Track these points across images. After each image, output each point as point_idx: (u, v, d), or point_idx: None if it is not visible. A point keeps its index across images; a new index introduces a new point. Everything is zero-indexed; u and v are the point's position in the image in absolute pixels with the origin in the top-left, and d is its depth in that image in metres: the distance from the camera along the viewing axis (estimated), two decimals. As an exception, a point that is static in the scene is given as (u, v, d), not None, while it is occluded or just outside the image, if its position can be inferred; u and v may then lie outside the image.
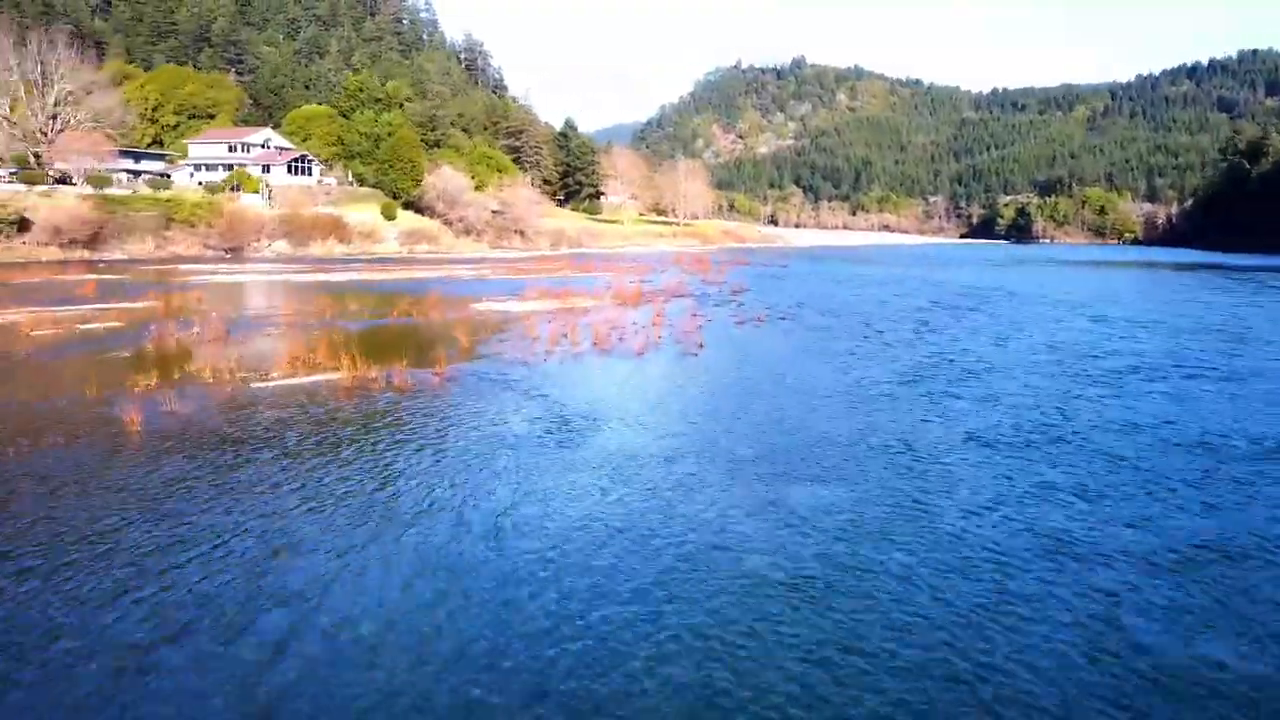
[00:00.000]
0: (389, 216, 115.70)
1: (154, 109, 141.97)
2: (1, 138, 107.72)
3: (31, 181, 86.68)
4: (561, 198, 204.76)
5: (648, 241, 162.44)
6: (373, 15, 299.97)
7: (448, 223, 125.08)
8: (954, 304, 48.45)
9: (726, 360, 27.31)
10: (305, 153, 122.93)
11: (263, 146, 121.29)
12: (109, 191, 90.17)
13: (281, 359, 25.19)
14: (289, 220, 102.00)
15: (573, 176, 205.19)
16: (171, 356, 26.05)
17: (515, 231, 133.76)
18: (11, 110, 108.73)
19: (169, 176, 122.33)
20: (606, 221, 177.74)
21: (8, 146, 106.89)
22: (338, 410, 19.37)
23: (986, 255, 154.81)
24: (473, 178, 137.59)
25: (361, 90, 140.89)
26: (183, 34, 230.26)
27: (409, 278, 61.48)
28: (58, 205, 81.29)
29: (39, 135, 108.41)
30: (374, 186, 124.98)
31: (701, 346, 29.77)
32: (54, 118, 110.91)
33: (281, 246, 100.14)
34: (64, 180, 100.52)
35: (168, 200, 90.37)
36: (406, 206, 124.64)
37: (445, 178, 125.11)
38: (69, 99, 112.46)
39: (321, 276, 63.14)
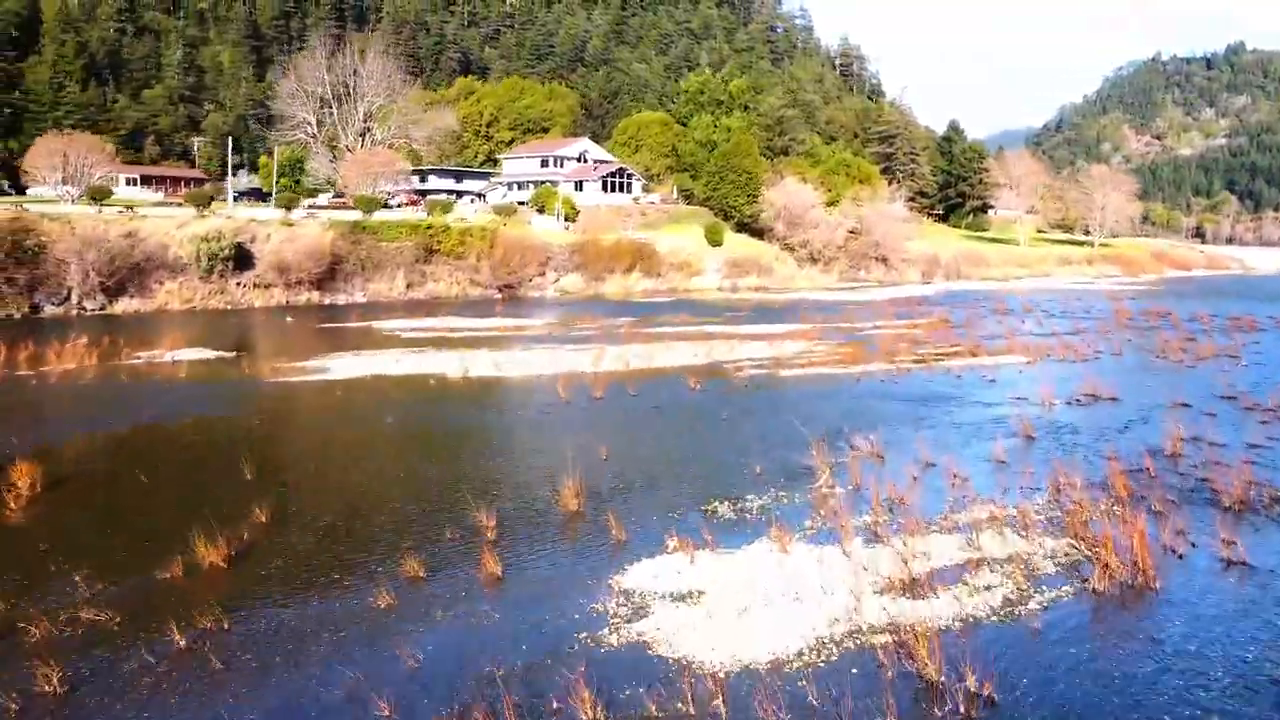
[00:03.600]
0: (714, 241, 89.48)
1: (488, 124, 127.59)
2: (321, 162, 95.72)
3: (288, 205, 70.37)
4: (940, 212, 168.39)
5: (1051, 268, 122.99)
6: (745, 25, 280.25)
7: (788, 247, 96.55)
8: None
9: None
10: (624, 166, 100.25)
11: (578, 160, 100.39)
12: (376, 217, 71.87)
13: None
14: (583, 248, 78.95)
15: (954, 187, 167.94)
16: None
17: (875, 258, 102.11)
18: (318, 127, 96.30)
19: (484, 196, 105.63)
20: (995, 240, 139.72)
21: (329, 167, 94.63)
22: None
23: None
24: (826, 190, 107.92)
25: (702, 92, 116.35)
26: (559, 55, 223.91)
27: (624, 371, 33.49)
28: (295, 235, 63.49)
29: (346, 152, 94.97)
30: (703, 203, 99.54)
31: None
32: (363, 135, 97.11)
33: (572, 281, 77.26)
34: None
35: (428, 228, 70.33)
36: (740, 228, 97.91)
37: (788, 192, 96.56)
38: (378, 114, 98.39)
39: (510, 356, 37.23)
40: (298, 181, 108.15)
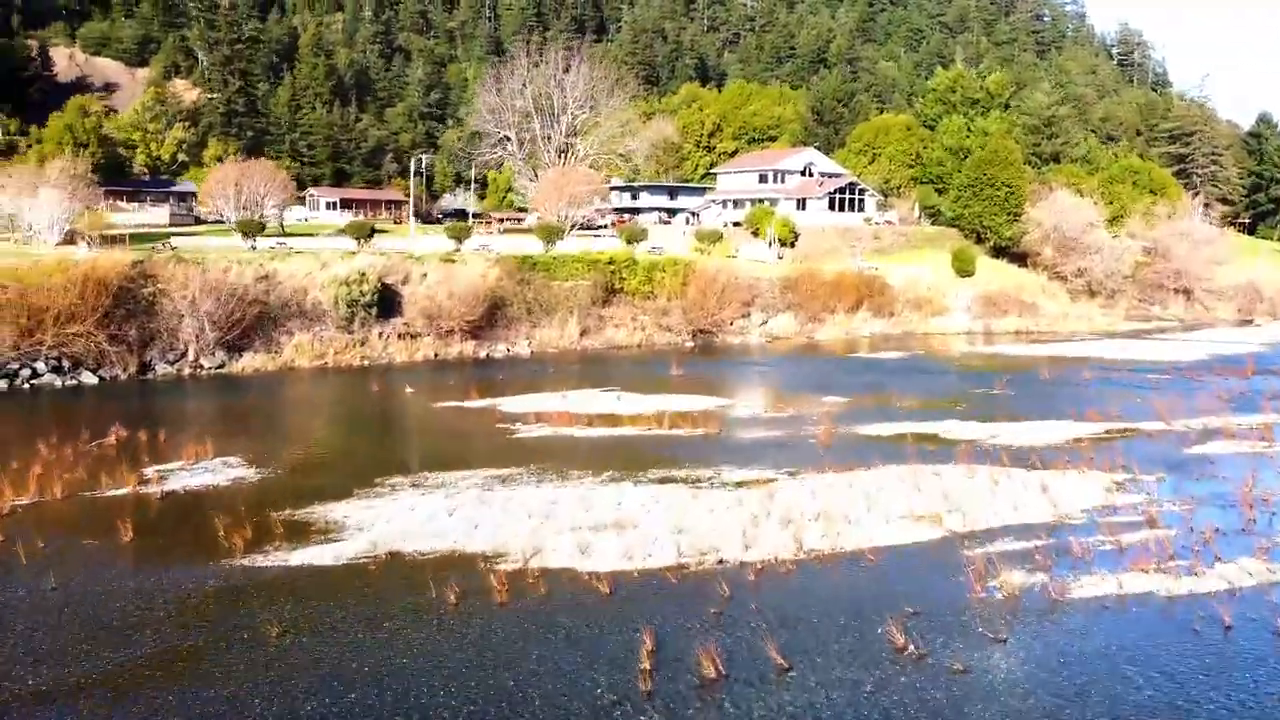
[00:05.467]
0: (962, 270, 72.14)
1: (710, 134, 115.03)
2: (525, 181, 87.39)
3: (458, 236, 61.11)
4: (1246, 221, 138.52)
5: None
6: (1007, 15, 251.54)
7: (1059, 277, 77.17)
8: None
9: None
10: (855, 180, 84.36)
11: (802, 173, 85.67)
12: (557, 250, 61.38)
13: None
14: (796, 283, 64.54)
15: (1265, 192, 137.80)
16: None
17: (1173, 289, 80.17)
18: (519, 145, 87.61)
19: (698, 215, 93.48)
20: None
21: (532, 186, 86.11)
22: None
23: None
24: (1108, 204, 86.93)
25: (953, 90, 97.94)
26: (800, 56, 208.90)
27: (790, 562, 19.07)
28: (452, 274, 53.83)
29: (547, 170, 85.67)
30: (950, 223, 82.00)
31: None
32: (563, 151, 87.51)
33: (781, 324, 63.10)
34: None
35: (609, 262, 58.65)
36: (997, 253, 79.64)
37: (1058, 208, 77.15)
38: (582, 128, 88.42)
39: (624, 507, 23.96)
40: (517, 205, 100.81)
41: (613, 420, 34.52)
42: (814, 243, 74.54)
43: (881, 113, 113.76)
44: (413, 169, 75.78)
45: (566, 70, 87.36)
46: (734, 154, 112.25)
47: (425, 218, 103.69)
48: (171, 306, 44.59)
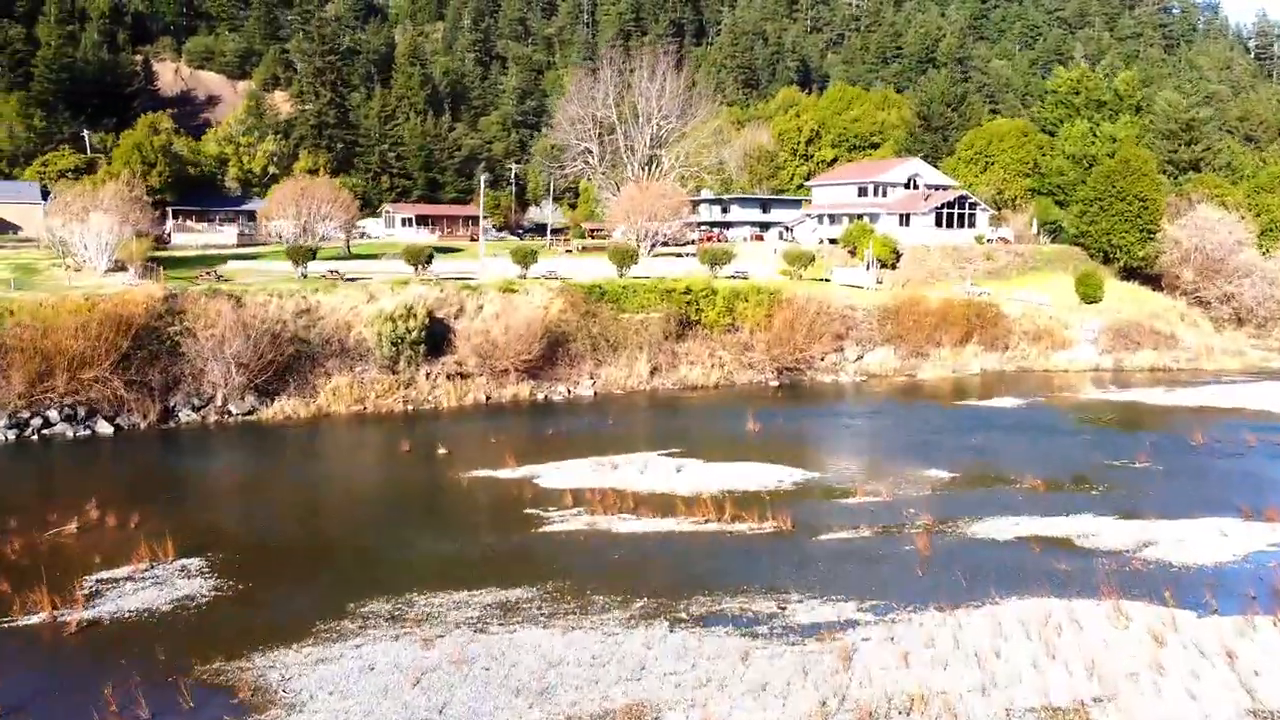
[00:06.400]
0: (1088, 296, 63.26)
1: (808, 142, 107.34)
2: (607, 195, 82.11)
3: (525, 261, 55.84)
4: None
5: None
6: (1131, 9, 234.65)
7: (1201, 303, 67.33)
8: None
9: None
10: (964, 192, 75.75)
11: (906, 186, 77.56)
12: (629, 276, 55.67)
13: None
14: (897, 313, 57.02)
15: None
16: None
17: (1339, 318, 69.11)
18: (599, 159, 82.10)
19: (792, 229, 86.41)
20: None
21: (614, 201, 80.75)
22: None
23: None
24: (1255, 216, 76.21)
25: (1077, 91, 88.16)
26: (907, 56, 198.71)
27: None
28: (511, 306, 48.60)
29: (629, 183, 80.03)
30: (1074, 241, 72.87)
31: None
32: (648, 163, 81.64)
33: (879, 359, 55.74)
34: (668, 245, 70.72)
35: (685, 291, 52.41)
36: (1127, 274, 70.26)
37: (1199, 225, 67.34)
38: (669, 138, 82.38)
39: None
40: (602, 218, 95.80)
41: (665, 505, 28.35)
42: (918, 264, 66.80)
43: (995, 117, 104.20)
44: (481, 185, 71.01)
45: (652, 77, 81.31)
46: (833, 163, 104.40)
47: (513, 229, 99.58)
48: (197, 348, 40.46)
